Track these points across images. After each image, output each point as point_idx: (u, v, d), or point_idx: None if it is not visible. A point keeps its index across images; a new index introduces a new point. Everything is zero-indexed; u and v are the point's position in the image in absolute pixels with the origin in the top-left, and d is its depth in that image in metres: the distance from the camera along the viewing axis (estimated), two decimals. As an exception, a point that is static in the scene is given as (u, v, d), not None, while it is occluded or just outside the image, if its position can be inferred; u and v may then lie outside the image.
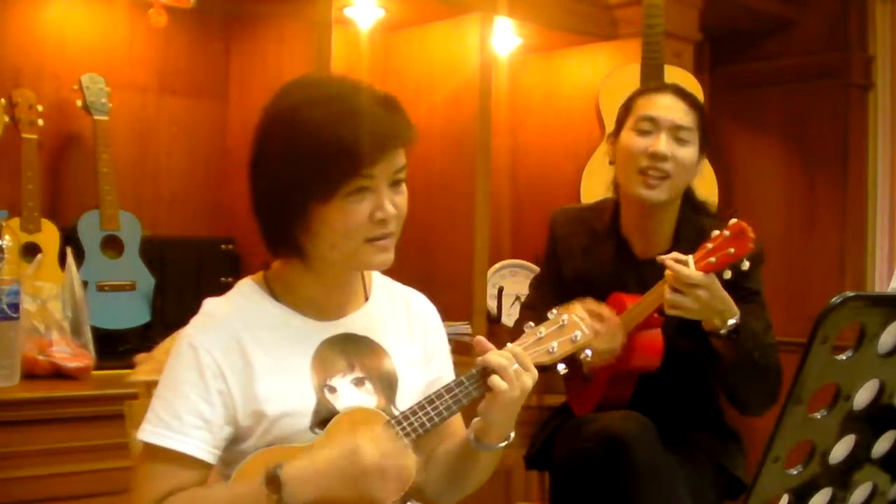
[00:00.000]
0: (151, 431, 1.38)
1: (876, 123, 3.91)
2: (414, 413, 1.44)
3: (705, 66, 4.01)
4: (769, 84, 4.06)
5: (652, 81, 2.93)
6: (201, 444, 1.37)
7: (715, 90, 3.94)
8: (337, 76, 1.50)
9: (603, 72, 3.36)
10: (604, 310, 1.96)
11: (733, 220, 1.87)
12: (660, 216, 2.12)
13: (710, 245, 1.89)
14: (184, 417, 1.37)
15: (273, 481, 1.31)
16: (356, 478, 1.30)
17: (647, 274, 2.06)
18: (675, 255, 1.92)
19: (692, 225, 2.14)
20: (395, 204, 1.40)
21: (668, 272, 1.90)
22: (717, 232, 1.88)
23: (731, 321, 1.92)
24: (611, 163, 2.21)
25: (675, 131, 2.07)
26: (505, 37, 3.41)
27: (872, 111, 3.92)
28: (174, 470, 1.37)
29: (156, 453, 1.37)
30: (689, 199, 2.17)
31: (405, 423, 1.43)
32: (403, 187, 1.43)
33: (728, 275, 1.89)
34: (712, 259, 1.88)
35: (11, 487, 2.05)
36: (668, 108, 2.09)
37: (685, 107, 2.10)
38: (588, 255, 2.18)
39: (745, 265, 1.87)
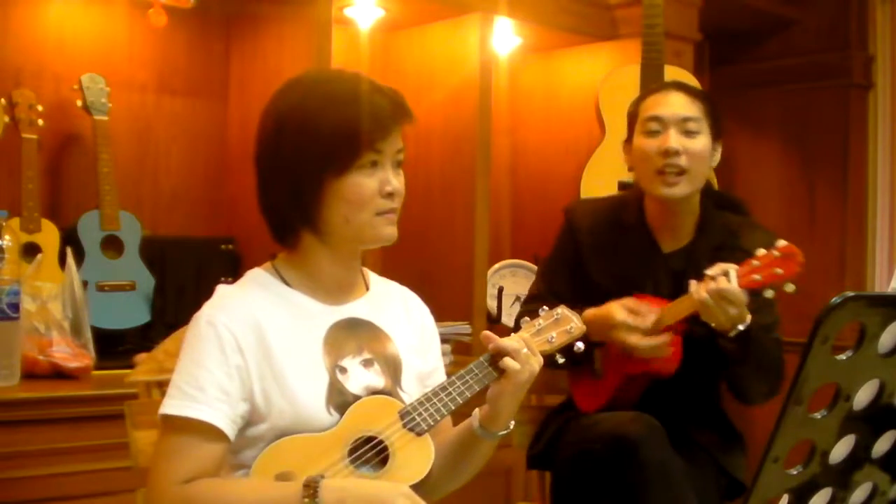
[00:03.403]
0: (174, 405, 1.39)
1: (876, 124, 3.91)
2: (428, 399, 1.49)
3: (705, 66, 4.01)
4: (769, 84, 4.06)
5: (652, 82, 2.93)
6: (224, 416, 1.39)
7: (715, 90, 3.94)
8: (337, 69, 1.61)
9: (603, 72, 3.36)
10: (642, 306, 2.02)
11: (783, 242, 1.89)
12: (682, 210, 2.15)
13: (756, 262, 1.90)
14: (207, 389, 1.39)
15: (311, 487, 1.33)
16: None
17: (673, 266, 2.10)
18: (721, 266, 1.92)
19: (715, 218, 2.18)
20: (398, 181, 1.50)
21: (708, 281, 1.91)
22: (763, 251, 1.90)
23: (741, 326, 1.93)
24: (630, 169, 2.23)
25: (683, 124, 2.11)
26: (505, 37, 3.41)
27: (872, 111, 3.92)
28: (198, 443, 1.38)
29: (178, 425, 1.39)
30: (708, 193, 2.20)
31: (420, 409, 1.48)
32: (401, 171, 1.52)
33: (770, 294, 1.90)
34: (757, 276, 1.89)
35: (11, 487, 2.05)
36: (671, 104, 2.13)
37: (688, 99, 2.14)
38: (617, 249, 2.18)
39: (790, 287, 1.88)
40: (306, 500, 1.33)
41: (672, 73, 3.10)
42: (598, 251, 2.20)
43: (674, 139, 2.09)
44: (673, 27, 3.30)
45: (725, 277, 1.90)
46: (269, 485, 1.40)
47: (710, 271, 1.93)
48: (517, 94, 3.74)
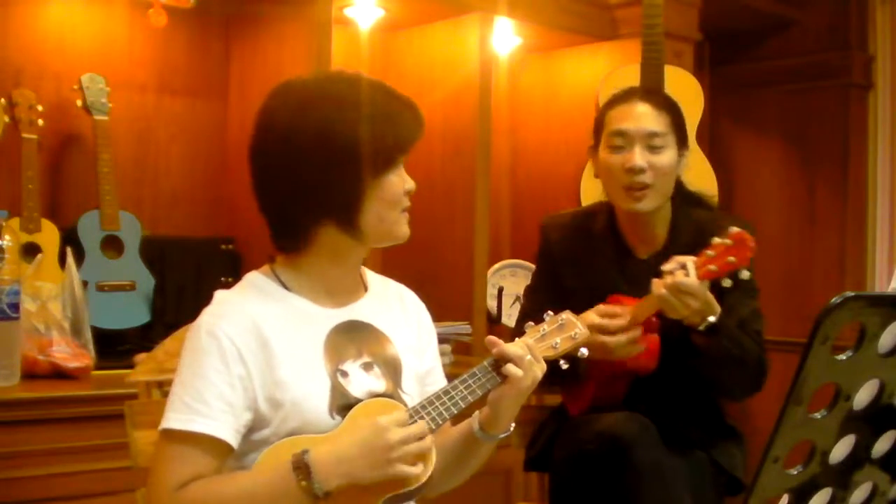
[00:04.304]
0: (179, 419, 1.38)
1: (876, 124, 3.91)
2: (431, 403, 1.49)
3: (705, 66, 4.01)
4: (769, 84, 4.06)
5: (652, 82, 2.93)
6: (228, 428, 1.39)
7: (715, 90, 3.94)
8: (338, 69, 1.59)
9: (603, 72, 3.35)
10: (616, 309, 2.01)
11: (734, 229, 1.90)
12: (653, 218, 2.14)
13: (710, 252, 1.91)
14: (211, 402, 1.38)
15: (301, 467, 1.34)
16: (382, 454, 1.36)
17: (649, 271, 2.08)
18: (678, 259, 1.93)
19: (687, 218, 2.17)
20: None
21: (666, 276, 1.92)
22: (717, 240, 1.91)
23: (711, 319, 1.94)
24: (596, 176, 2.21)
25: (648, 139, 2.08)
26: (505, 37, 3.41)
27: (872, 111, 3.92)
28: (199, 454, 1.38)
29: (181, 438, 1.38)
30: (679, 192, 2.19)
31: (423, 413, 1.48)
32: None
33: (728, 283, 1.91)
34: (712, 267, 1.90)
35: (11, 487, 2.05)
36: (637, 117, 2.09)
37: (654, 111, 2.10)
38: (589, 259, 2.18)
39: (745, 274, 1.89)
40: (304, 482, 1.34)
41: (672, 73, 3.10)
42: (571, 262, 2.19)
43: (639, 156, 2.06)
44: (673, 27, 3.30)
45: (683, 271, 1.91)
46: (261, 473, 1.40)
47: (666, 266, 1.94)
48: (517, 94, 3.74)
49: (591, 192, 3.13)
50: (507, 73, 3.64)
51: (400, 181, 1.50)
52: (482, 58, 3.08)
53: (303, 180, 1.45)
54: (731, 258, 1.88)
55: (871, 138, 3.91)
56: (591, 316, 2.00)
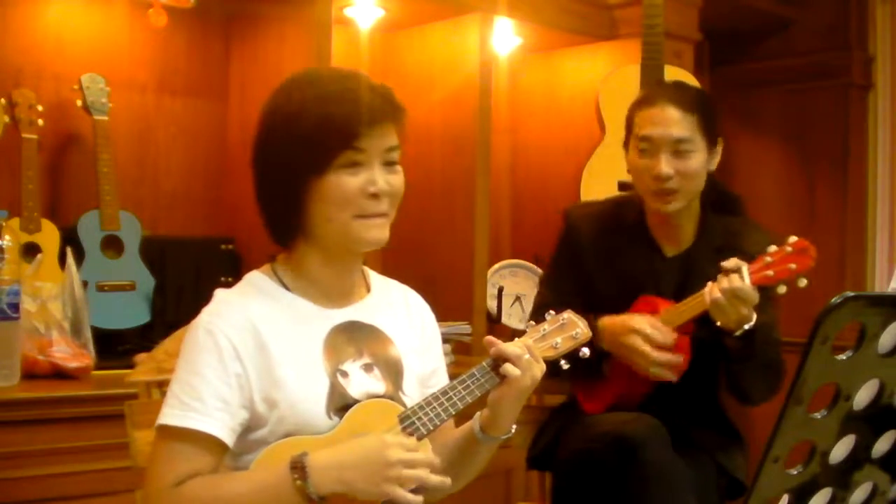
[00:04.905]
0: (174, 415, 1.39)
1: (876, 124, 3.91)
2: (429, 404, 1.48)
3: (705, 66, 4.01)
4: (769, 84, 4.06)
5: (652, 82, 2.93)
6: (223, 426, 1.39)
7: (715, 90, 3.94)
8: (332, 67, 1.56)
9: (603, 72, 3.36)
10: (664, 327, 2.01)
11: (794, 238, 1.91)
12: (680, 217, 2.14)
13: (768, 259, 1.91)
14: (206, 400, 1.38)
15: (298, 468, 1.34)
16: (379, 469, 1.35)
17: (677, 270, 2.09)
18: (733, 261, 1.93)
19: (717, 222, 2.17)
20: (388, 182, 1.45)
21: (721, 278, 1.92)
22: (774, 247, 1.91)
23: (747, 325, 1.93)
24: (629, 171, 2.20)
25: (675, 145, 2.06)
26: (505, 37, 3.41)
27: (872, 111, 3.92)
28: (195, 451, 1.38)
29: (177, 435, 1.38)
30: (712, 192, 2.18)
31: (420, 414, 1.47)
32: (398, 168, 1.48)
33: (783, 289, 1.92)
34: (769, 272, 1.90)
35: (11, 487, 2.05)
36: (662, 123, 2.07)
37: (681, 114, 2.07)
38: (619, 253, 2.16)
39: (803, 282, 1.90)
40: (299, 482, 1.33)
41: (672, 73, 3.10)
42: (599, 255, 2.18)
43: (665, 164, 2.05)
44: (673, 27, 3.30)
45: (738, 275, 1.90)
46: (258, 472, 1.40)
47: (725, 263, 1.93)
48: (517, 95, 3.74)
49: (591, 192, 3.13)
50: (507, 73, 3.64)
51: (354, 181, 1.42)
52: (482, 58, 3.08)
53: (267, 181, 1.48)
54: (792, 265, 1.89)
55: (871, 138, 3.91)
56: (638, 318, 2.01)
